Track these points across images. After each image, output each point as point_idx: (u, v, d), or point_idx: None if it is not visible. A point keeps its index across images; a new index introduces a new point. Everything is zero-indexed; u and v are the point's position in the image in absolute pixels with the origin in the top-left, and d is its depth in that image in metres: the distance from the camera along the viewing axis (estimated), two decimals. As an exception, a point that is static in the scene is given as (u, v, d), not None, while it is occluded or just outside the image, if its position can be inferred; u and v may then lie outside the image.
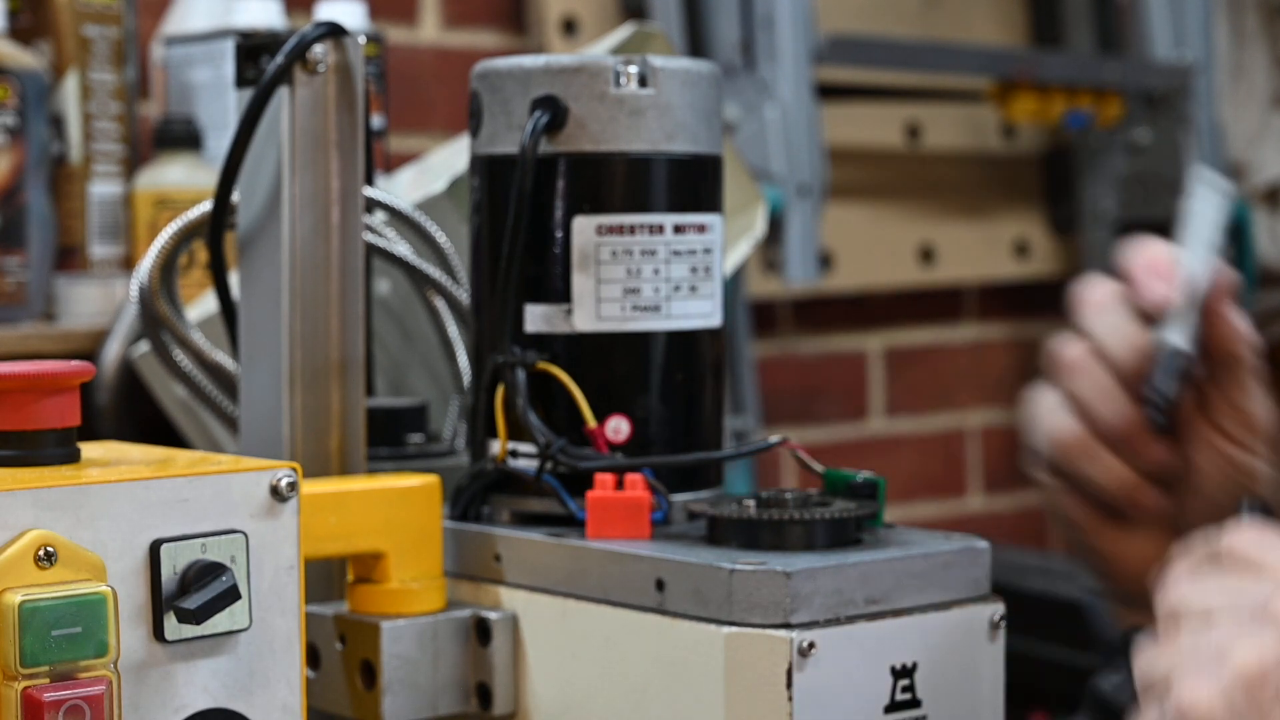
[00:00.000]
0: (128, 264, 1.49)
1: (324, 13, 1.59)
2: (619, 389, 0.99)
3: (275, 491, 0.87)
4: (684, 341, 0.99)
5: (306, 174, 1.01)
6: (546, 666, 0.96)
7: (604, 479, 0.96)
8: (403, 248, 1.19)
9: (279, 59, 0.99)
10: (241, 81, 1.02)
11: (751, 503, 0.94)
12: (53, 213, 1.46)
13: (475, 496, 1.01)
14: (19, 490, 0.79)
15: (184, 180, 1.49)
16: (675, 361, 1.00)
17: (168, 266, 1.10)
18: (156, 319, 1.12)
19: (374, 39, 1.60)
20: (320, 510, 0.93)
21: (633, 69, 0.99)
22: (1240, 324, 0.94)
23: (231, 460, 0.89)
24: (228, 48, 1.48)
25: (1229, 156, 2.38)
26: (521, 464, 0.99)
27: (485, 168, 1.01)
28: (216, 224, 1.03)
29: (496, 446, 1.00)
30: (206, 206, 1.06)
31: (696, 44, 1.95)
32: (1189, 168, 2.27)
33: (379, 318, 1.32)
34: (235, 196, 1.03)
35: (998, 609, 0.94)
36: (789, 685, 0.86)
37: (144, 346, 1.34)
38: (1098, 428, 0.94)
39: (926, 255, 2.24)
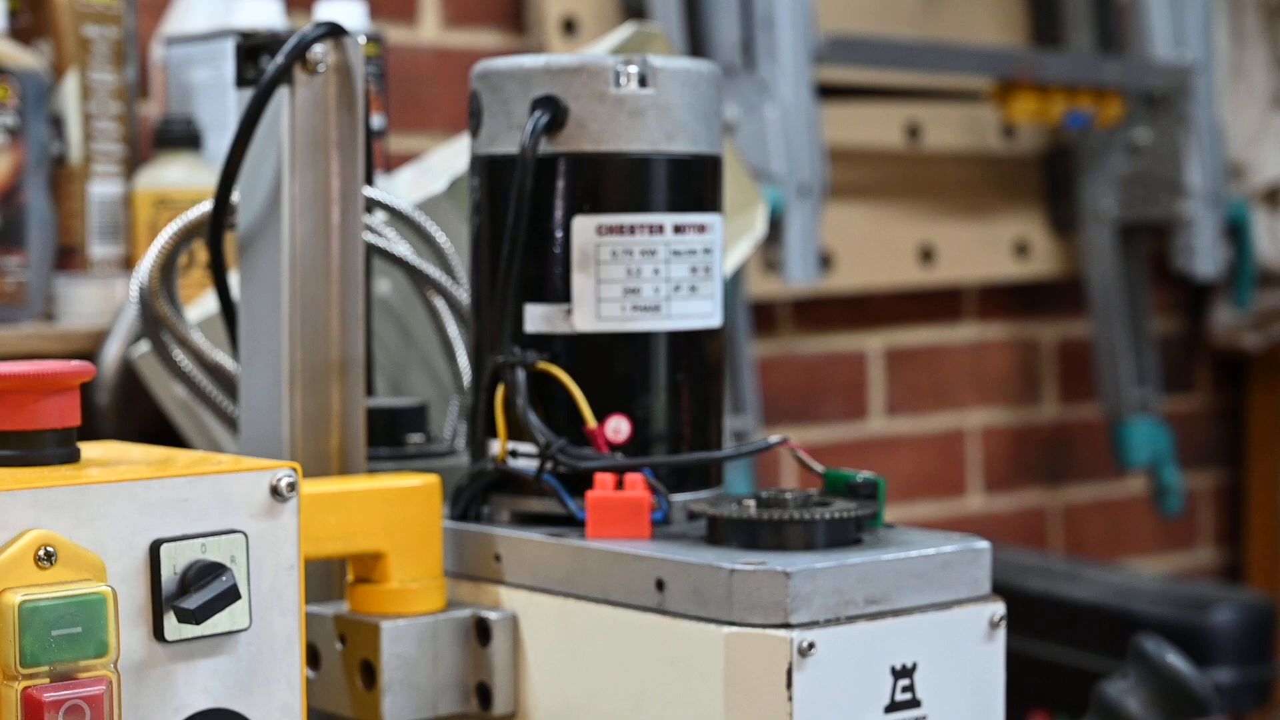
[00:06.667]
0: (128, 264, 1.49)
1: (324, 13, 1.59)
2: (619, 389, 0.99)
3: (275, 491, 0.87)
4: (684, 341, 0.99)
5: (306, 174, 1.01)
6: (546, 666, 0.95)
7: (604, 479, 0.96)
8: (403, 248, 1.19)
9: (279, 59, 0.99)
10: (241, 81, 1.02)
11: (751, 503, 0.94)
12: (53, 213, 1.46)
13: (475, 496, 1.01)
14: (19, 490, 0.79)
15: (184, 180, 1.49)
16: (675, 361, 1.00)
17: (168, 266, 1.10)
18: (156, 319, 1.12)
19: (374, 39, 1.60)
20: (320, 510, 0.93)
21: (633, 69, 0.99)
22: None
23: (231, 460, 0.89)
24: (228, 48, 1.48)
25: (1229, 156, 2.38)
26: (521, 464, 0.99)
27: (485, 168, 1.01)
28: (216, 224, 1.03)
29: (496, 446, 1.00)
30: (206, 206, 1.06)
31: (696, 44, 1.95)
32: (1188, 168, 2.27)
33: (379, 318, 1.32)
34: (235, 196, 1.03)
35: (998, 609, 0.94)
36: (789, 685, 0.86)
37: (144, 346, 1.34)
38: None
39: (926, 255, 2.23)
